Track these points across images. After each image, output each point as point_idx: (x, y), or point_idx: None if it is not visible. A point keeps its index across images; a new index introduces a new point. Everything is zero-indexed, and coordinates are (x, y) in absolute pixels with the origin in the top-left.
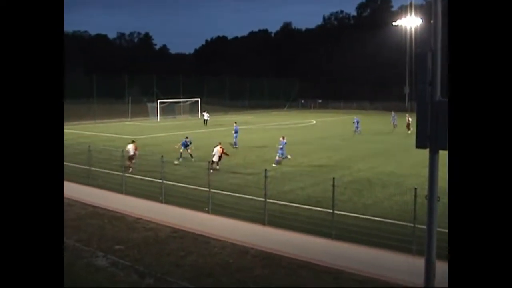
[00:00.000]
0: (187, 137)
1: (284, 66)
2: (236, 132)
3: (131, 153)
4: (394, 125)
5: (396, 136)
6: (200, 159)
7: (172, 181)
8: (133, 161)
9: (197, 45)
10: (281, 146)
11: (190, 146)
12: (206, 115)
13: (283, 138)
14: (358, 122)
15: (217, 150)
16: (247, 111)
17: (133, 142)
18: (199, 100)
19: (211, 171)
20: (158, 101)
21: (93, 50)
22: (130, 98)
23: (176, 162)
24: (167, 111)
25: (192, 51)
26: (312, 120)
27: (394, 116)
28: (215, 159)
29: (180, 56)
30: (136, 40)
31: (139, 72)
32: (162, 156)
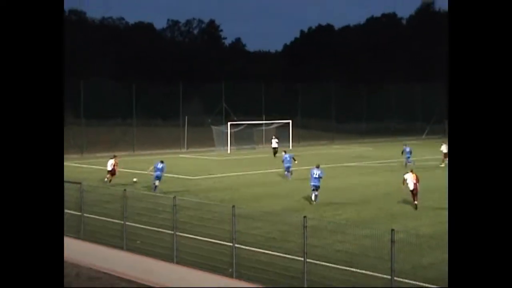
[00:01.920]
0: (162, 161)
1: (421, 66)
2: (286, 162)
3: (109, 168)
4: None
5: None
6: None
7: (247, 244)
8: (113, 176)
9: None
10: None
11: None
12: (274, 142)
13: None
14: None
15: (410, 177)
16: (363, 138)
17: (114, 157)
18: (290, 122)
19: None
20: (229, 123)
21: (131, 45)
22: (186, 118)
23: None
24: (243, 137)
25: (279, 48)
26: None
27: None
28: (411, 187)
29: (262, 56)
30: (195, 31)
31: (200, 80)
32: (233, 207)
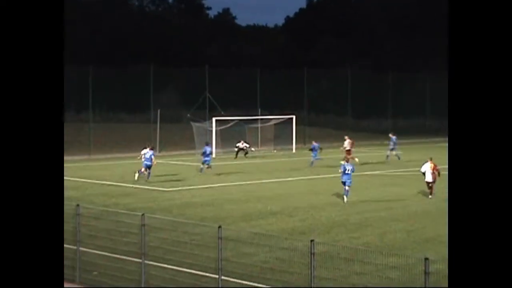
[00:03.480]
0: (152, 148)
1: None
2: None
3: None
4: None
5: None
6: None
7: (236, 276)
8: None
9: (290, 10)
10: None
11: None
12: (242, 146)
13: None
14: None
15: (428, 167)
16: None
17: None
18: (293, 117)
19: None
20: (214, 119)
21: (85, 16)
22: (159, 112)
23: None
24: (232, 137)
25: (279, 22)
26: None
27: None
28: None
29: (256, 32)
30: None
31: (177, 62)
32: (219, 228)
